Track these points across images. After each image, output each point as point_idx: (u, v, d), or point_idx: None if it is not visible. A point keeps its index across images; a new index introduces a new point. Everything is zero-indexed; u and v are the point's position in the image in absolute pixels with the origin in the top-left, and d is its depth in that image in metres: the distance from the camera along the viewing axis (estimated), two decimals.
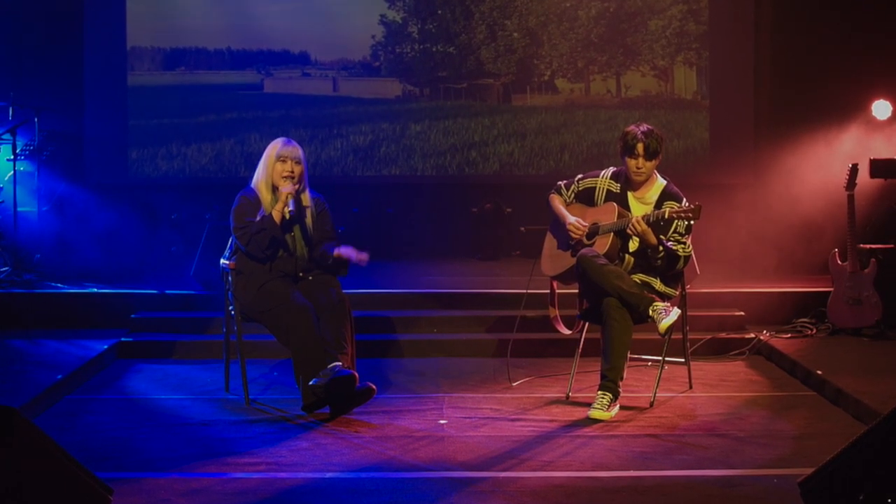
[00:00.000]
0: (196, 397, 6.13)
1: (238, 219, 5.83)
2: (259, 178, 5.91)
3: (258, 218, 5.76)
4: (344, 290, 5.93)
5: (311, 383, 5.47)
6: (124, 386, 6.45)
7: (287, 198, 5.75)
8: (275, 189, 5.84)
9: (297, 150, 5.88)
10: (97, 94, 9.83)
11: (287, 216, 5.76)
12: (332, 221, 6.06)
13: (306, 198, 5.96)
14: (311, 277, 5.96)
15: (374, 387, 5.61)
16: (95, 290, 7.92)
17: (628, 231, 5.71)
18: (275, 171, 5.84)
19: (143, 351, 7.16)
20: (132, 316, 7.54)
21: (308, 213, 5.95)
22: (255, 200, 5.87)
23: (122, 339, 7.23)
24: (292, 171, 5.83)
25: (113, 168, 9.88)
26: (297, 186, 5.83)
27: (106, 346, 6.97)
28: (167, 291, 7.84)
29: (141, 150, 9.95)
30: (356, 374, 5.48)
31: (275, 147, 5.91)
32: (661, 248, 5.72)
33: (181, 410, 5.83)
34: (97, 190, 9.62)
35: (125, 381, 6.57)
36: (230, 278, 5.95)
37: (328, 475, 4.72)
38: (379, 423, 5.53)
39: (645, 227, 5.64)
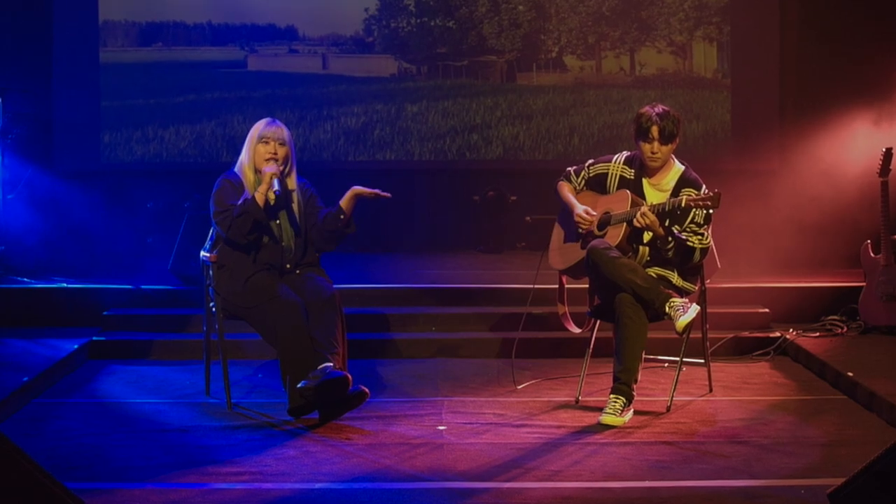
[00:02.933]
0: (174, 401, 6.13)
1: (219, 202, 5.84)
2: (242, 162, 5.94)
3: (240, 201, 5.77)
4: (335, 286, 5.93)
5: (299, 385, 5.47)
6: (96, 389, 6.45)
7: (271, 178, 5.76)
8: (258, 172, 5.86)
9: (281, 131, 5.89)
10: (67, 72, 9.80)
11: (272, 200, 5.76)
12: (322, 205, 6.05)
13: (293, 181, 5.97)
14: (298, 271, 5.95)
15: (366, 390, 5.61)
16: (65, 284, 7.92)
17: (634, 223, 5.71)
18: (257, 153, 5.87)
19: (116, 351, 7.16)
20: (104, 313, 7.54)
21: (294, 198, 5.95)
22: (238, 184, 5.88)
23: (94, 338, 7.23)
24: (275, 153, 5.85)
25: (84, 153, 9.87)
26: (281, 168, 5.84)
27: (76, 346, 6.97)
28: (143, 286, 7.84)
29: (114, 134, 9.94)
30: (349, 376, 5.48)
31: (257, 128, 5.94)
32: (670, 239, 5.72)
33: (158, 415, 5.83)
34: (67, 176, 9.61)
35: (97, 383, 6.57)
36: (211, 272, 5.95)
37: (317, 486, 4.71)
38: (372, 430, 5.53)
39: (653, 218, 5.64)
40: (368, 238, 9.85)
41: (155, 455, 5.14)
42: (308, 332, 5.64)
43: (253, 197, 5.77)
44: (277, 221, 5.90)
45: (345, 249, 9.47)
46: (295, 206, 5.95)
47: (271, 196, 5.77)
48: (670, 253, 5.77)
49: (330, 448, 5.24)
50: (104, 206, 9.52)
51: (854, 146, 9.01)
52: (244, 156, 5.94)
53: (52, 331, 7.38)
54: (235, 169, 5.97)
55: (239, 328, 6.22)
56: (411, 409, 5.93)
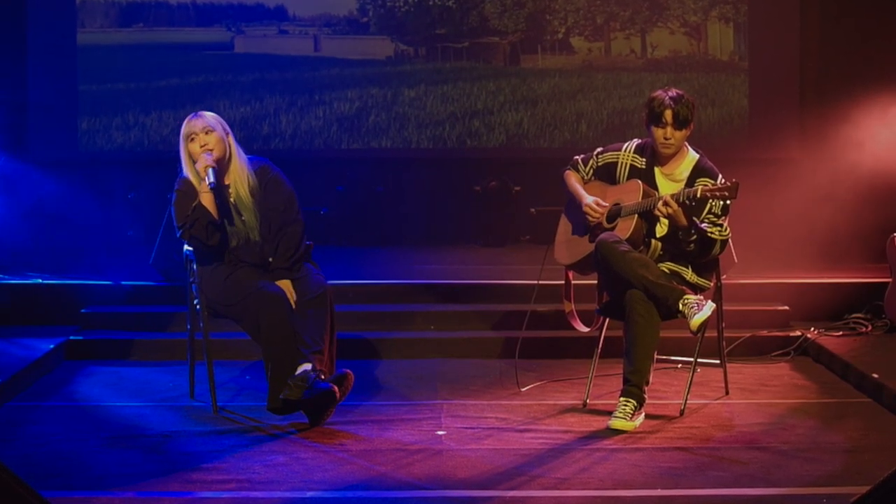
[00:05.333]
0: (156, 404, 6.13)
1: (178, 217, 5.85)
2: (185, 169, 5.93)
3: (191, 211, 5.77)
4: (328, 281, 5.92)
5: (281, 397, 5.50)
6: (74, 391, 6.45)
7: (205, 171, 5.75)
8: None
9: (200, 121, 5.87)
10: (42, 54, 9.79)
11: (209, 190, 5.73)
12: (290, 192, 5.99)
13: (235, 170, 5.90)
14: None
15: (349, 373, 5.62)
16: (40, 280, 7.92)
17: (655, 212, 5.70)
18: (191, 154, 5.86)
19: (95, 351, 7.17)
20: (82, 311, 7.54)
21: (240, 186, 5.89)
22: (190, 188, 5.87)
23: (71, 337, 7.23)
24: (206, 144, 5.83)
25: (60, 140, 9.86)
26: (216, 155, 5.80)
27: (52, 346, 6.97)
28: (123, 282, 7.83)
29: (93, 120, 9.93)
30: (336, 389, 5.48)
31: (182, 130, 5.91)
32: (692, 230, 5.71)
33: (139, 420, 5.83)
34: (42, 165, 9.60)
35: (75, 385, 6.57)
36: (195, 267, 5.95)
37: (308, 494, 4.72)
38: (367, 435, 5.53)
39: (676, 207, 5.63)
40: (363, 231, 9.84)
41: (136, 462, 5.14)
42: (291, 326, 5.65)
43: (199, 202, 5.78)
44: (240, 217, 5.87)
45: (337, 243, 9.50)
46: (243, 193, 5.90)
47: (208, 187, 5.73)
48: (692, 245, 5.76)
49: (322, 454, 5.23)
50: (82, 196, 9.51)
51: (880, 133, 9.00)
52: (183, 165, 5.93)
53: (27, 329, 7.38)
54: (184, 175, 5.96)
55: (225, 327, 6.21)
56: (408, 413, 5.93)
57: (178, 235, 5.89)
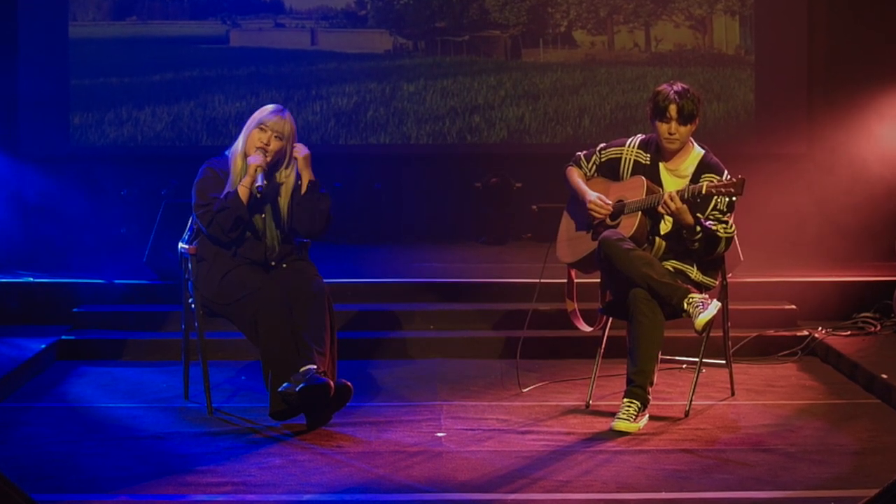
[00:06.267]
0: (150, 406, 6.13)
1: (200, 195, 5.82)
2: (237, 146, 5.89)
3: (223, 195, 5.75)
4: (325, 280, 5.91)
5: (280, 389, 5.48)
6: (66, 392, 6.45)
7: (255, 171, 5.72)
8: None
9: (283, 124, 5.81)
10: (33, 48, 9.79)
11: (256, 194, 5.73)
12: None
13: (284, 174, 5.90)
14: (284, 265, 5.94)
15: (349, 385, 5.61)
16: (31, 279, 7.91)
17: (660, 209, 5.70)
18: (251, 139, 5.82)
19: (87, 351, 7.16)
20: (74, 310, 7.53)
21: (283, 192, 5.90)
22: (223, 173, 5.86)
23: (63, 336, 7.22)
24: (267, 144, 5.80)
25: (52, 136, 9.86)
26: (268, 159, 5.79)
27: (44, 346, 6.96)
28: (116, 281, 7.82)
29: (85, 115, 9.93)
30: (332, 383, 5.48)
31: (261, 112, 5.87)
32: (698, 228, 5.71)
33: (132, 421, 5.83)
34: (33, 161, 9.60)
35: (67, 386, 6.57)
36: (190, 266, 5.94)
37: (305, 497, 4.71)
38: (365, 437, 5.53)
39: (680, 204, 5.62)
40: (361, 228, 9.84)
41: (129, 464, 5.13)
42: (291, 328, 5.64)
43: (236, 191, 5.75)
44: (262, 216, 5.87)
45: (335, 240, 9.49)
46: (283, 203, 5.90)
47: (255, 190, 5.74)
48: (697, 243, 5.75)
49: (319, 456, 5.23)
50: (74, 193, 9.51)
51: (888, 128, 9.00)
52: (239, 141, 5.90)
53: (18, 329, 7.36)
54: (228, 152, 5.93)
55: (220, 326, 6.21)
56: (407, 415, 5.92)
57: (195, 214, 5.84)
